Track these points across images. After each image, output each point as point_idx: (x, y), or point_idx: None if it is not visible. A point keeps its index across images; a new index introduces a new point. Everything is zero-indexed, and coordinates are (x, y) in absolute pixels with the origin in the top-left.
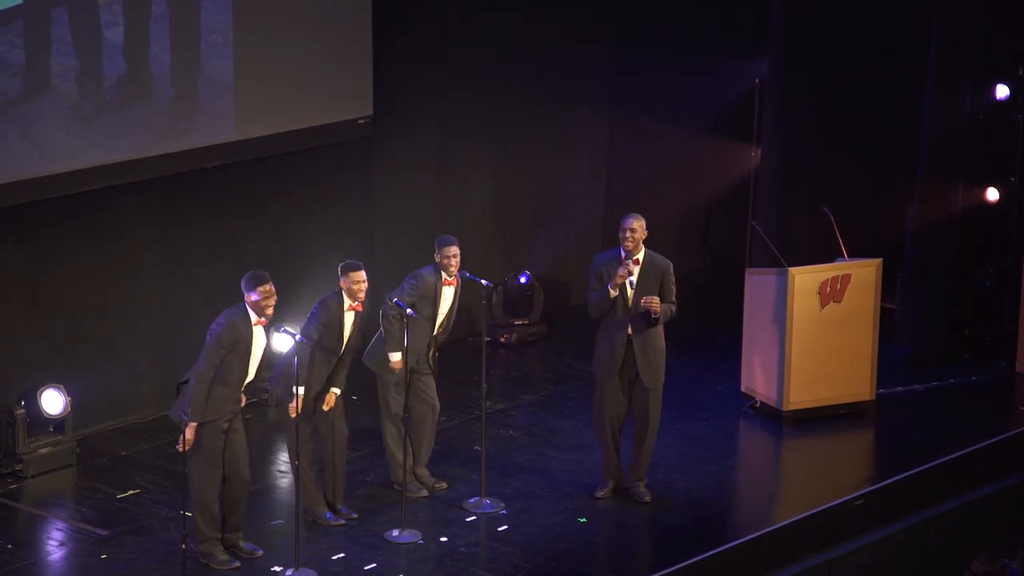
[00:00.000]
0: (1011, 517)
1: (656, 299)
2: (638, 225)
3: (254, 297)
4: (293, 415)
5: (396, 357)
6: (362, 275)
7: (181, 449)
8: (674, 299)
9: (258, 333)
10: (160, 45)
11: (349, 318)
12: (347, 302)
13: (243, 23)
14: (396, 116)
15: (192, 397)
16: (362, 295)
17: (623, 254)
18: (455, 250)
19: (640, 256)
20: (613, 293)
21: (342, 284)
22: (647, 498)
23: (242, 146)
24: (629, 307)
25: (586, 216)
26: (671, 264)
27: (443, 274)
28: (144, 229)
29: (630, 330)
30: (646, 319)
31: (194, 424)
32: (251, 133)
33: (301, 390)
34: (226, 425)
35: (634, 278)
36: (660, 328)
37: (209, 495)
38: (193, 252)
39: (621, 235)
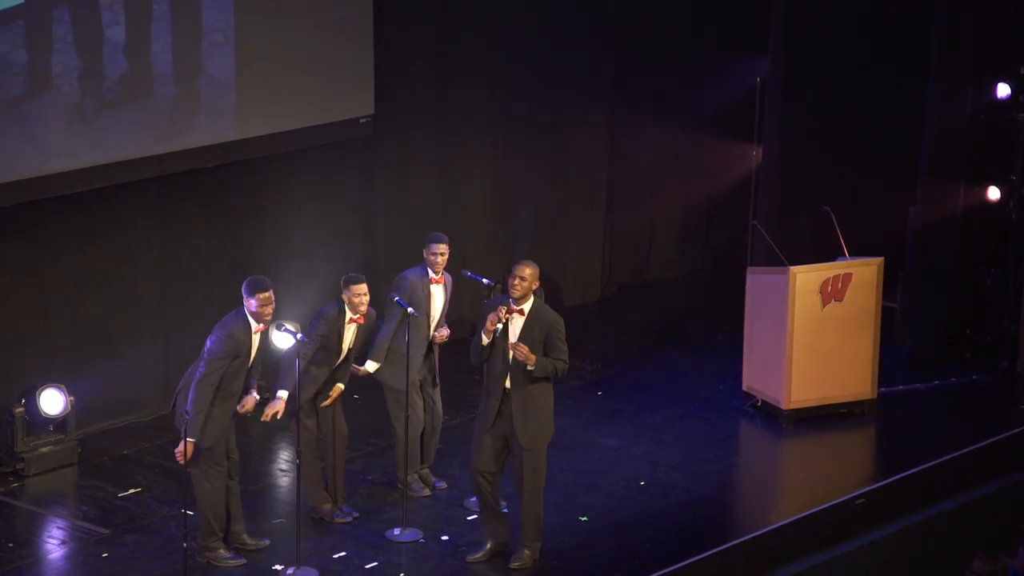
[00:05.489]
0: (1012, 516)
1: (524, 348)
2: (528, 273)
3: (253, 304)
4: (266, 419)
5: (372, 367)
6: (363, 288)
7: (182, 461)
8: (564, 357)
9: (255, 340)
10: (161, 44)
11: (350, 330)
12: (348, 314)
13: (244, 22)
14: (397, 115)
15: (194, 413)
16: (364, 308)
17: (510, 301)
18: (443, 248)
19: (526, 307)
20: (485, 340)
21: (344, 296)
22: (515, 564)
23: (243, 145)
24: (508, 359)
25: (587, 216)
26: (561, 320)
27: (430, 272)
28: (145, 228)
29: (508, 383)
30: (524, 370)
31: (192, 441)
32: (252, 132)
33: (284, 394)
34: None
35: (504, 326)
36: (548, 384)
37: (217, 494)
38: (194, 252)
39: (510, 281)
